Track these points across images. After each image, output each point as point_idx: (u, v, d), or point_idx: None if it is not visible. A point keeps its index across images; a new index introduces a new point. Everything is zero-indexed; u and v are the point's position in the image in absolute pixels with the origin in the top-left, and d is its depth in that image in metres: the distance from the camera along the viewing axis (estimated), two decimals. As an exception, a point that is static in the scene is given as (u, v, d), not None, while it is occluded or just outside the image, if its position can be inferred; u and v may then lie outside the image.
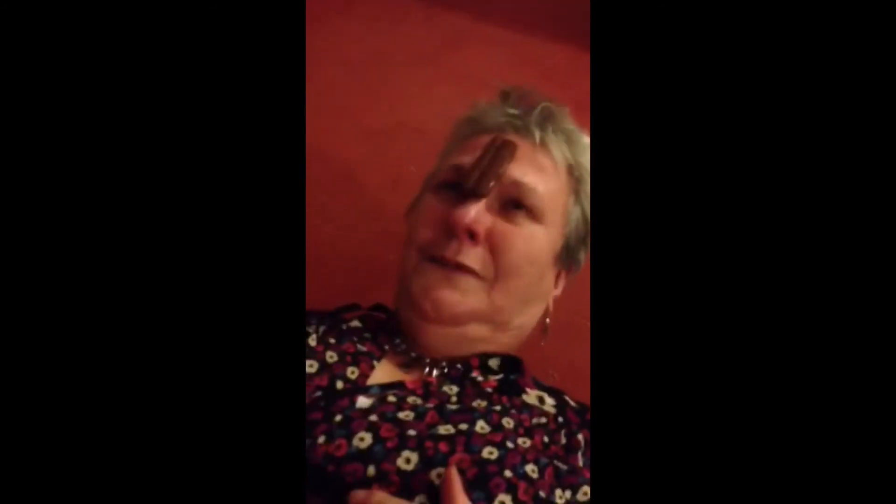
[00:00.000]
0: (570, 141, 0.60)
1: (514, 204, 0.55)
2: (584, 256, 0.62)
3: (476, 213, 0.52)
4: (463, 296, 0.53)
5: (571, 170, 0.59)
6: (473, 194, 0.53)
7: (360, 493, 0.39)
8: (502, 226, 0.54)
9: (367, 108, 1.25)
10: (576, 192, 0.59)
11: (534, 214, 0.55)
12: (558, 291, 0.63)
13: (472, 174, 0.53)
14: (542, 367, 0.64)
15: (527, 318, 0.59)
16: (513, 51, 1.57)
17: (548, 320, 0.60)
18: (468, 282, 0.53)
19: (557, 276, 0.62)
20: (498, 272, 0.53)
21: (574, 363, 0.75)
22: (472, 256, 0.53)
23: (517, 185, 0.55)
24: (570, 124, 0.62)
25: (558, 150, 0.58)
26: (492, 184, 0.53)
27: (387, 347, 0.55)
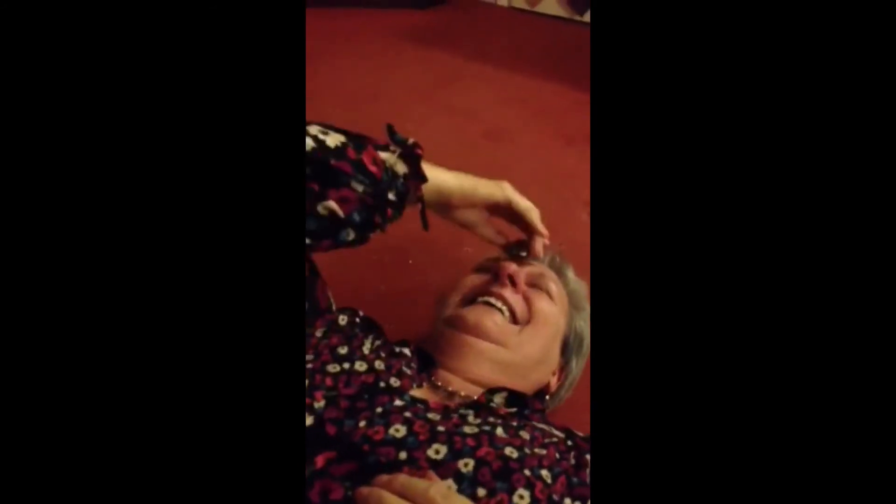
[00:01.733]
0: (574, 278, 0.77)
1: (535, 285, 0.69)
2: (574, 367, 0.72)
3: (517, 269, 0.67)
4: (501, 323, 0.63)
5: (573, 294, 0.74)
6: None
7: (384, 476, 0.42)
8: (532, 292, 0.68)
9: (363, 143, 1.29)
10: (575, 308, 0.73)
11: (550, 296, 0.69)
12: (555, 383, 0.71)
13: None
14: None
15: (534, 378, 0.66)
16: (504, 88, 1.62)
17: (547, 397, 0.69)
18: (505, 319, 0.64)
19: (556, 371, 0.70)
20: (529, 320, 0.65)
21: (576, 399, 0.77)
22: (512, 297, 0.65)
23: (538, 275, 0.70)
24: (573, 276, 0.77)
25: (566, 276, 0.75)
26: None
27: (424, 382, 0.61)
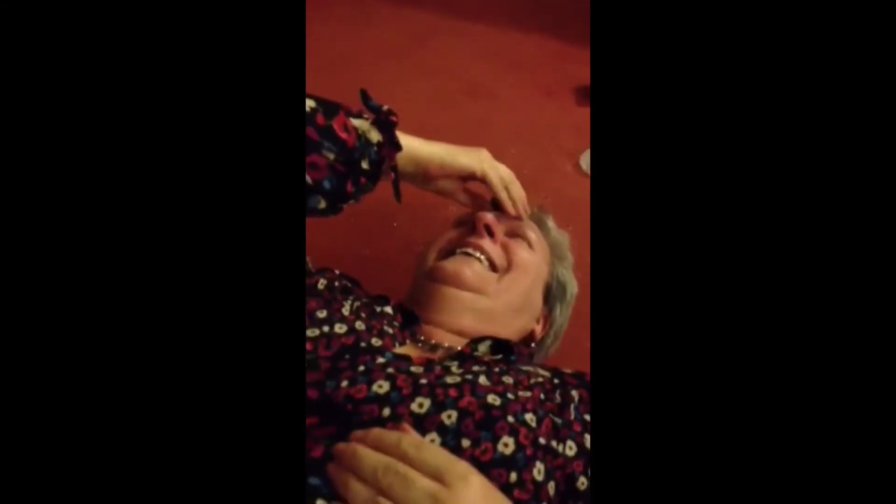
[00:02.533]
0: (556, 229, 0.78)
1: (515, 235, 0.71)
2: (558, 315, 0.73)
3: (494, 219, 0.67)
4: (479, 271, 0.64)
5: (555, 244, 0.75)
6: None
7: (359, 431, 0.42)
8: (511, 241, 0.69)
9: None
10: (557, 258, 0.74)
11: (530, 244, 0.70)
12: (540, 331, 0.71)
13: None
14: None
15: (517, 326, 0.67)
16: (479, 43, 1.58)
17: (533, 344, 0.70)
18: (484, 266, 0.65)
19: (539, 317, 0.71)
20: (507, 265, 0.66)
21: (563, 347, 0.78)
22: (489, 246, 0.66)
23: (517, 225, 0.71)
24: (552, 225, 0.79)
25: (548, 228, 0.76)
26: None
27: (407, 339, 0.61)
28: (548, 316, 0.72)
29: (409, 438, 0.41)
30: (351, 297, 0.62)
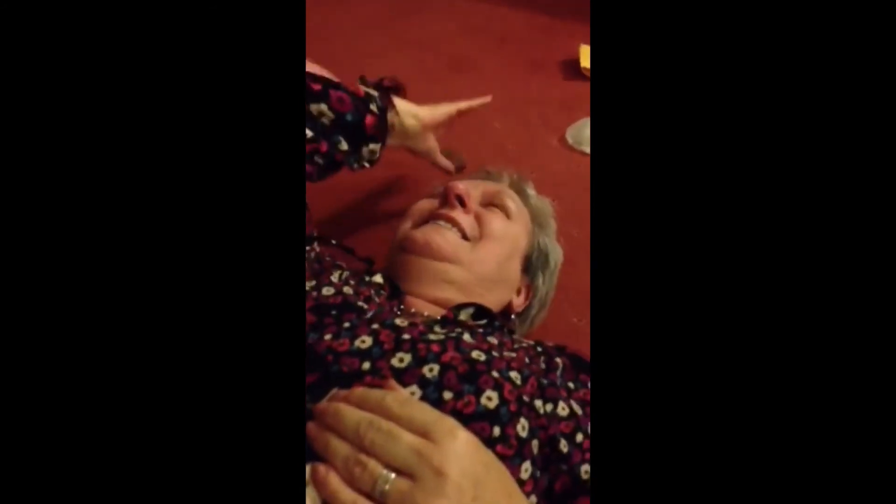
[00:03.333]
0: (536, 196, 0.76)
1: (492, 203, 0.68)
2: (541, 284, 0.71)
3: (466, 185, 0.65)
4: (451, 241, 0.62)
5: (536, 211, 0.73)
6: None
7: (341, 391, 0.40)
8: (484, 211, 0.67)
9: (322, 82, 1.24)
10: (539, 226, 0.72)
11: (507, 213, 0.68)
12: (520, 302, 0.69)
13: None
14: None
15: (493, 297, 0.65)
16: (465, 17, 1.55)
17: (513, 316, 0.69)
18: (455, 235, 0.63)
19: (520, 288, 0.69)
20: (480, 235, 0.64)
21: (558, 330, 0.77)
22: (461, 216, 0.64)
23: (494, 193, 0.69)
24: (533, 193, 0.77)
25: (527, 194, 0.74)
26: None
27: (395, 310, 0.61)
28: (529, 285, 0.70)
29: (394, 395, 0.38)
30: (339, 269, 0.62)
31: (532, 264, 0.69)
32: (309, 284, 0.55)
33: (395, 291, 0.61)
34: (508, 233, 0.66)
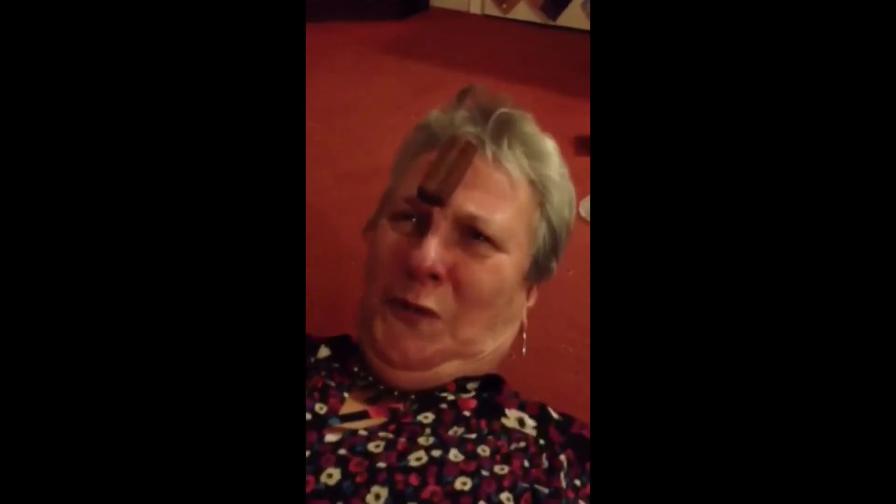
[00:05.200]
0: (530, 153, 0.55)
1: (473, 234, 0.51)
2: (555, 264, 0.59)
3: (436, 253, 0.49)
4: (429, 341, 0.51)
5: (534, 184, 0.55)
6: (434, 202, 0.49)
7: None
8: (465, 261, 0.51)
9: (342, 156, 1.28)
10: (541, 206, 0.56)
11: (495, 244, 0.52)
12: (531, 303, 0.60)
13: (431, 180, 0.49)
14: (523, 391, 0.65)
15: (500, 342, 0.57)
16: (481, 94, 1.62)
17: (524, 335, 0.59)
18: (433, 326, 0.51)
19: (529, 290, 0.60)
20: (463, 307, 0.51)
21: (558, 390, 0.76)
22: (434, 299, 0.50)
23: (473, 217, 0.51)
24: (530, 130, 0.57)
25: (516, 166, 0.54)
26: (452, 193, 0.50)
27: (356, 371, 0.53)
28: (538, 285, 0.60)
29: None
30: None
31: (541, 264, 0.57)
32: None
33: (345, 352, 0.53)
34: (498, 272, 0.52)
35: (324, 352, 0.55)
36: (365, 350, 0.54)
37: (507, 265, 0.53)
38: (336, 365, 0.53)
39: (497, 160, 0.53)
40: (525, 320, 0.60)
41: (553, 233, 0.57)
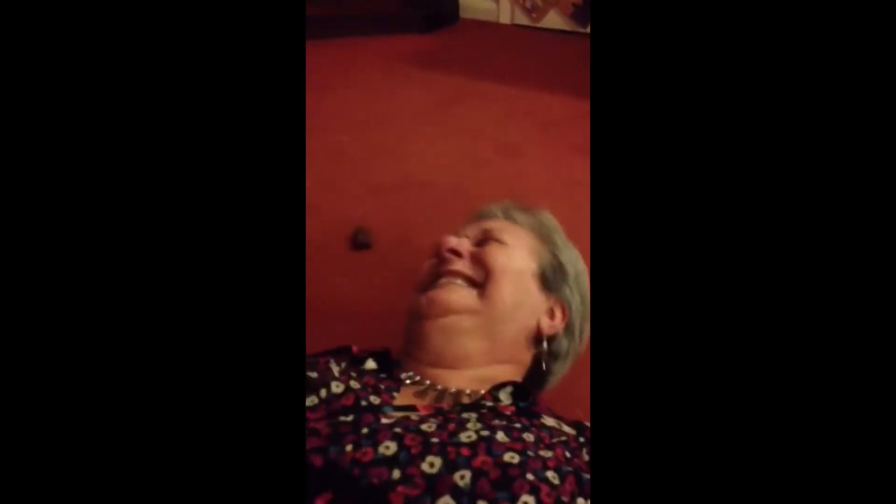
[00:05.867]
0: (531, 214, 0.74)
1: (487, 240, 0.68)
2: (570, 295, 0.69)
3: (457, 239, 0.66)
4: (455, 293, 0.62)
5: (535, 229, 0.71)
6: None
7: None
8: (481, 249, 0.66)
9: (374, 167, 1.29)
10: (542, 239, 0.70)
11: (501, 242, 0.67)
12: (557, 324, 0.67)
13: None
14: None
15: (515, 327, 0.64)
16: (509, 104, 1.62)
17: (545, 344, 0.66)
18: (460, 285, 0.63)
19: (552, 310, 0.68)
20: (486, 277, 0.63)
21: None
22: (460, 264, 0.64)
23: (486, 230, 0.68)
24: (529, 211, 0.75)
25: (521, 217, 0.73)
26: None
27: (402, 379, 0.60)
28: (561, 303, 0.68)
29: None
30: (331, 357, 0.60)
31: (550, 280, 0.67)
32: (312, 375, 0.54)
33: (387, 364, 0.60)
34: (511, 261, 0.65)
35: (370, 364, 0.60)
36: (410, 352, 0.63)
37: (511, 251, 0.66)
38: (384, 375, 0.58)
39: (506, 215, 0.73)
40: (545, 327, 0.66)
41: (557, 265, 0.69)
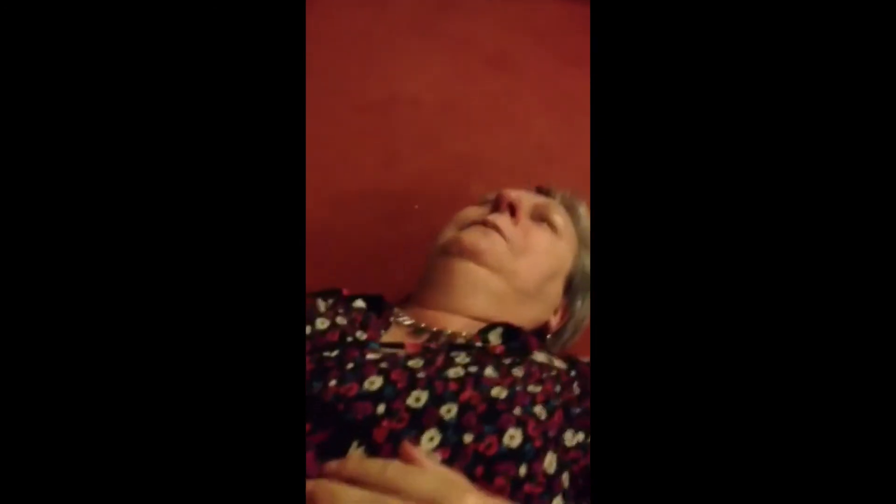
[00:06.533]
0: (585, 217, 0.73)
1: (541, 218, 0.67)
2: (579, 307, 0.69)
3: (519, 194, 0.65)
4: (496, 245, 0.61)
5: (583, 232, 0.70)
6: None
7: (333, 463, 0.36)
8: (532, 223, 0.65)
9: (360, 84, 1.23)
10: (586, 248, 0.69)
11: (555, 229, 0.66)
12: (556, 324, 0.68)
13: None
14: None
15: (529, 314, 0.63)
16: (504, 13, 1.52)
17: (549, 336, 0.67)
18: (500, 240, 0.61)
19: (558, 310, 0.68)
20: (524, 246, 0.62)
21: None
22: (508, 226, 0.62)
23: (544, 207, 0.67)
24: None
25: (578, 214, 0.72)
26: None
27: (391, 321, 0.58)
28: (567, 307, 0.68)
29: (395, 465, 0.35)
30: (320, 297, 0.59)
31: (574, 286, 0.67)
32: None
33: (378, 305, 0.59)
34: (554, 249, 0.64)
35: (359, 303, 0.59)
36: (418, 294, 0.62)
37: (559, 244, 0.66)
38: (373, 314, 0.57)
39: (560, 210, 0.71)
40: (553, 323, 0.67)
41: (585, 273, 0.69)
